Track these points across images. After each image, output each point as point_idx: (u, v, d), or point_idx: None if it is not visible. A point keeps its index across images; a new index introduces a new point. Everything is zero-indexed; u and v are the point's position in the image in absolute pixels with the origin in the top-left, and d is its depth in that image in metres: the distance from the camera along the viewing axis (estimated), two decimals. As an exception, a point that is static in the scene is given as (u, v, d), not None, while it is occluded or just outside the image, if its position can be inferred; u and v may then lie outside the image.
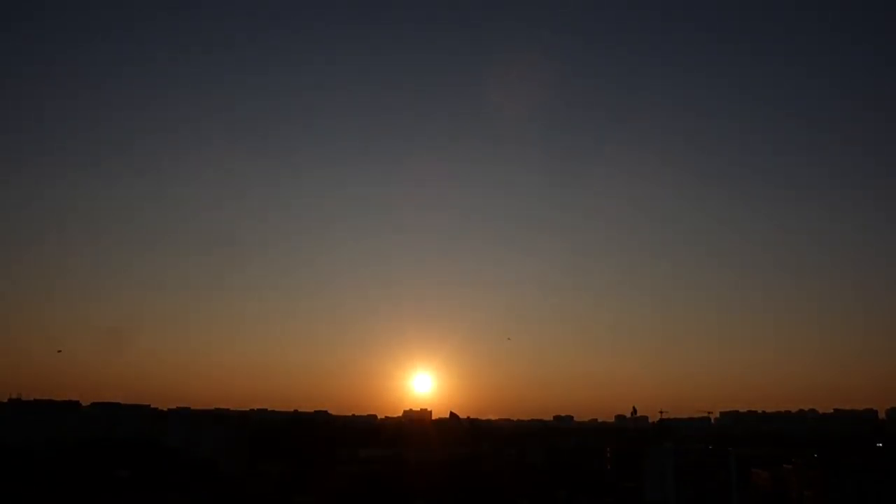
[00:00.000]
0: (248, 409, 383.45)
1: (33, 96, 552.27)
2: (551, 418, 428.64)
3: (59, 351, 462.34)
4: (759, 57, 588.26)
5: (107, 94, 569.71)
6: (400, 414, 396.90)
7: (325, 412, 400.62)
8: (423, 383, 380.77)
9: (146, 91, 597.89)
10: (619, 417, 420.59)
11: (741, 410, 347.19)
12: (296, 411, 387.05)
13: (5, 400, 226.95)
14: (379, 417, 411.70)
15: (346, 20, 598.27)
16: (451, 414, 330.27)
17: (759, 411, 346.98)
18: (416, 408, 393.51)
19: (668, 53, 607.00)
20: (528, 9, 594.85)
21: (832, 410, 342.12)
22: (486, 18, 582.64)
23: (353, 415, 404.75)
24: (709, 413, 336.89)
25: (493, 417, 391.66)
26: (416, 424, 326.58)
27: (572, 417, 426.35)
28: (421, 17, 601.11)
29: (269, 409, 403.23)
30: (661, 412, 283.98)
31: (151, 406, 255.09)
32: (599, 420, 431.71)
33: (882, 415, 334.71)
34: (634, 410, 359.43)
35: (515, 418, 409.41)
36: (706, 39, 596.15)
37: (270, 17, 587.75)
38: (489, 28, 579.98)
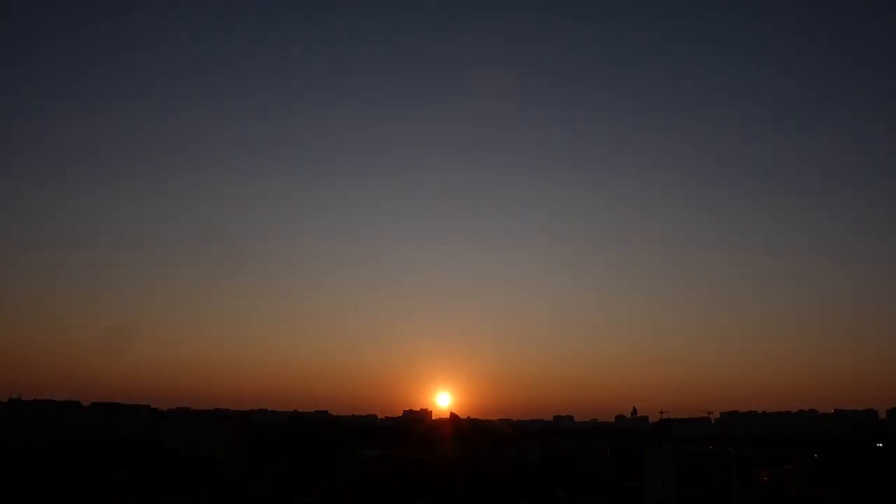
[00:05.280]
0: (248, 409, 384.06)
1: (29, 94, 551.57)
2: (551, 418, 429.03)
3: None
4: (765, 32, 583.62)
5: (105, 93, 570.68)
6: (400, 414, 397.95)
7: (326, 412, 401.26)
8: (444, 399, 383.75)
9: (144, 88, 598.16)
10: (619, 417, 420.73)
11: (741, 410, 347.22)
12: (296, 411, 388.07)
13: (5, 400, 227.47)
14: (379, 417, 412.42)
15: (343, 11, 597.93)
16: (451, 414, 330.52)
17: (759, 411, 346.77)
18: (416, 408, 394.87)
19: (673, 35, 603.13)
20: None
21: (832, 410, 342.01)
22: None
23: (353, 415, 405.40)
24: (709, 413, 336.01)
25: (492, 417, 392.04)
26: (416, 424, 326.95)
27: (572, 417, 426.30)
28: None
29: (269, 409, 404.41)
30: (661, 412, 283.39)
31: (151, 406, 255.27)
32: (599, 420, 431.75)
33: (882, 415, 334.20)
34: (634, 410, 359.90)
35: (515, 418, 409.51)
36: (710, 21, 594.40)
37: (265, 16, 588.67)
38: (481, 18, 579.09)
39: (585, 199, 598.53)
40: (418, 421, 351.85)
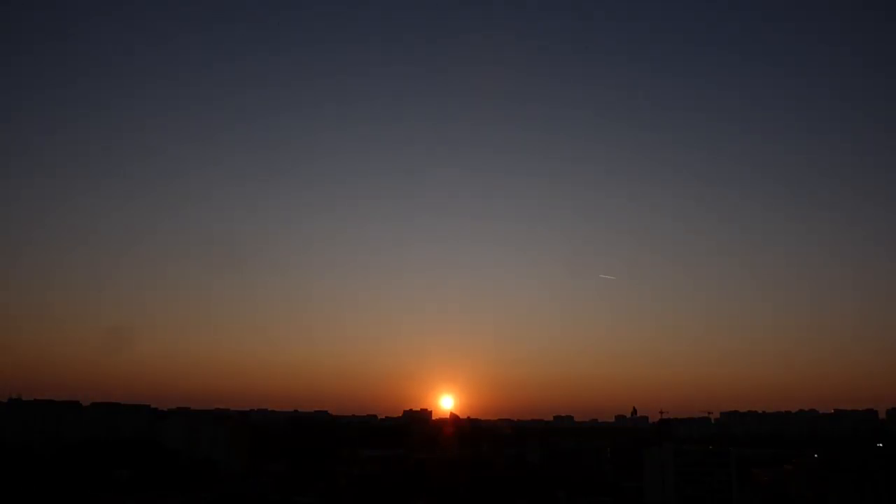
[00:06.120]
0: (248, 409, 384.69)
1: (30, 94, 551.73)
2: (551, 418, 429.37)
3: None
4: (772, 32, 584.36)
5: (104, 93, 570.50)
6: (400, 414, 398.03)
7: (326, 412, 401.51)
8: (447, 401, 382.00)
9: (144, 88, 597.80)
10: (619, 417, 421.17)
11: (741, 410, 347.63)
12: (296, 411, 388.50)
13: (5, 400, 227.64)
14: (379, 417, 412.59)
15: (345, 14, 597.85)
16: (451, 414, 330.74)
17: (759, 411, 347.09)
18: (417, 408, 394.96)
19: (668, 45, 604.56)
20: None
21: (832, 410, 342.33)
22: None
23: (354, 415, 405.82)
24: (709, 413, 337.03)
25: (493, 417, 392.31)
26: (417, 425, 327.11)
27: (572, 417, 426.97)
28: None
29: (269, 409, 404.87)
30: (661, 412, 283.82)
31: (151, 406, 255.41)
32: (599, 420, 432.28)
33: (882, 415, 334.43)
34: (634, 410, 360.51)
35: (515, 418, 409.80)
36: (713, 21, 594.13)
37: (265, 16, 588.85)
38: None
39: (586, 199, 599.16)
40: (419, 421, 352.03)
